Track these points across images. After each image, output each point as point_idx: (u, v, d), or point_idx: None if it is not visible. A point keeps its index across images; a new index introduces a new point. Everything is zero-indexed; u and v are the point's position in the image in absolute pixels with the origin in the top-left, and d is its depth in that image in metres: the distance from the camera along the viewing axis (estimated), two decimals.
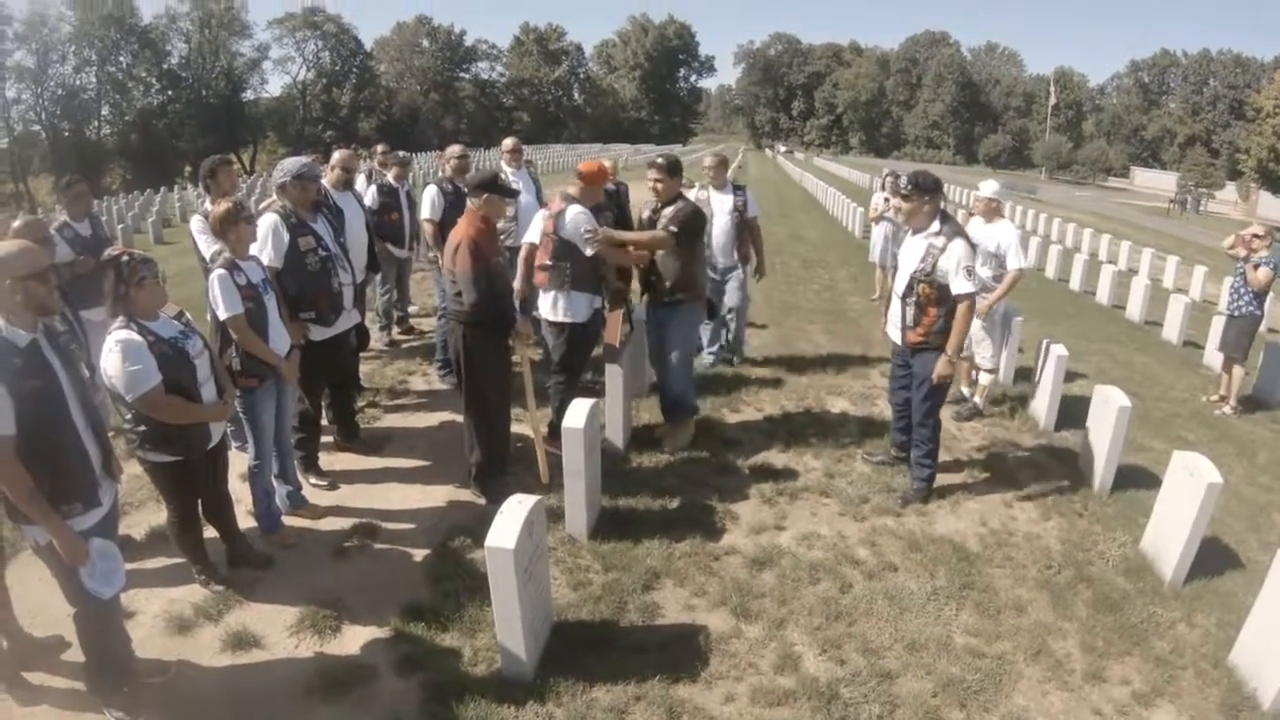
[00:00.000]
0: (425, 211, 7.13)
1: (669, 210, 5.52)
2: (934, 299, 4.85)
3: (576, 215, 5.24)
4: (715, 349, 7.80)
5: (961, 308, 4.83)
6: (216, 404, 3.77)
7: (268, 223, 4.77)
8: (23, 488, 2.80)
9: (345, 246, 5.25)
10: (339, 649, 3.75)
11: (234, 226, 4.16)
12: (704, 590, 4.20)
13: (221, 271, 4.14)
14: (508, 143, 7.93)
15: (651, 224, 5.65)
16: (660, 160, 5.61)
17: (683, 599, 4.13)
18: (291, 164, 4.94)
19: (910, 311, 4.95)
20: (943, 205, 5.10)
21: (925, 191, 4.89)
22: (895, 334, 5.16)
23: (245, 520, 4.48)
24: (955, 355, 4.93)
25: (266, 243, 4.71)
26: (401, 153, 8.60)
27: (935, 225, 4.88)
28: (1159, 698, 3.62)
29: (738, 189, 7.42)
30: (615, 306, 5.69)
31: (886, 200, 11.53)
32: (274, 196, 5.06)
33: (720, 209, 7.24)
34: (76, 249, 5.56)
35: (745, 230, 7.38)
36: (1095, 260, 17.59)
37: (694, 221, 5.50)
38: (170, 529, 4.04)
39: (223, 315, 4.13)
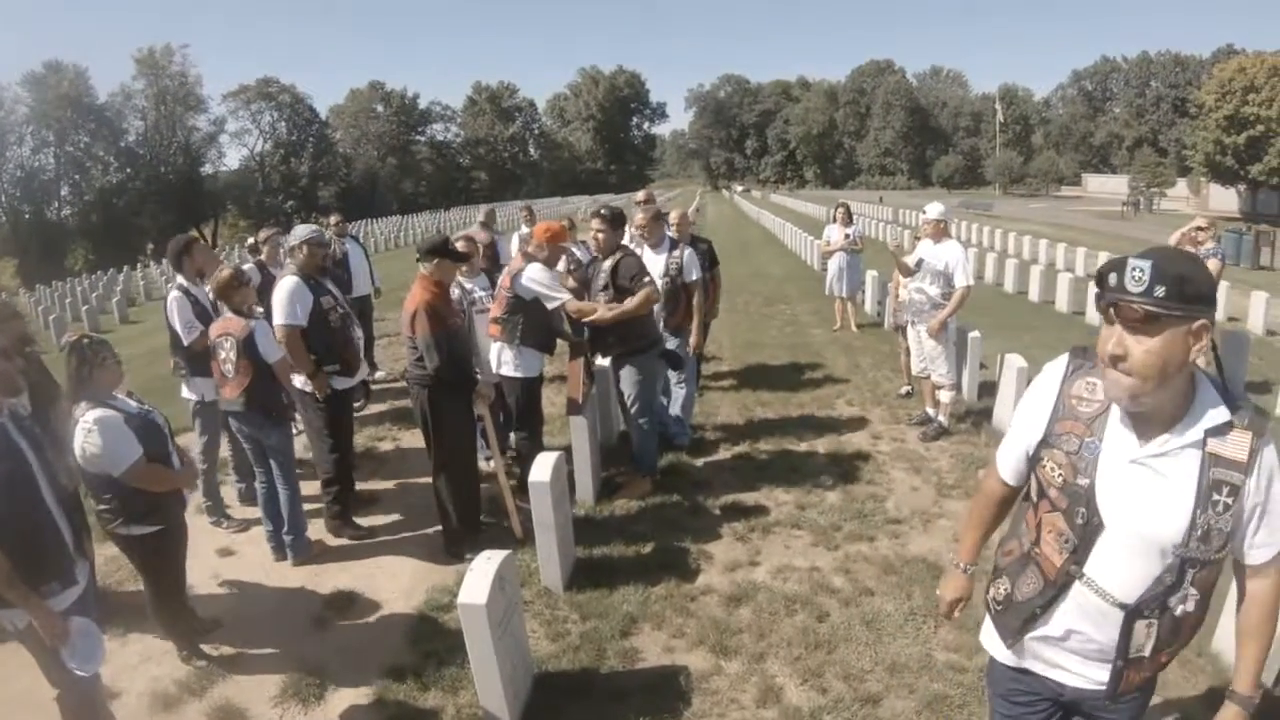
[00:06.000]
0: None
1: (608, 264, 5.52)
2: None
3: (535, 272, 5.31)
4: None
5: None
6: (184, 471, 3.85)
7: (290, 284, 4.99)
8: (1, 570, 2.79)
9: None
10: (323, 716, 3.73)
11: (239, 290, 4.65)
12: (682, 631, 4.22)
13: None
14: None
15: (586, 280, 5.83)
16: (604, 211, 5.60)
17: (661, 641, 4.15)
18: (304, 230, 5.24)
19: (1162, 627, 1.99)
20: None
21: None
22: (1086, 676, 2.08)
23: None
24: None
25: (291, 303, 4.94)
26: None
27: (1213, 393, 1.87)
28: None
29: (674, 245, 6.56)
30: (575, 359, 5.72)
31: (847, 236, 11.79)
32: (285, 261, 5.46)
33: (651, 271, 6.03)
34: None
35: (682, 296, 6.50)
36: (1052, 269, 17.92)
37: (645, 273, 5.51)
38: (150, 604, 4.03)
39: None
